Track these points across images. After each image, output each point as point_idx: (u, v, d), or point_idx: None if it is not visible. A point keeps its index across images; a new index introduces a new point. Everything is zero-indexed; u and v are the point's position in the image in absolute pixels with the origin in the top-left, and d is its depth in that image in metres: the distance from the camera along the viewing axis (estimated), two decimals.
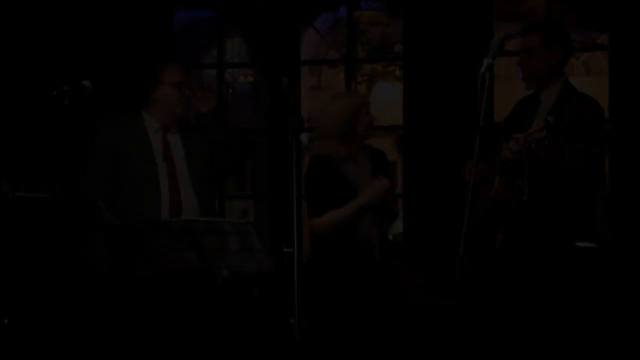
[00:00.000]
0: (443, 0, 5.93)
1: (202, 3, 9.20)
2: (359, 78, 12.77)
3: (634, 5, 5.61)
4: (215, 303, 4.50)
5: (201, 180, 4.87)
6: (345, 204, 4.65)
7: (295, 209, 4.32)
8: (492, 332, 4.60)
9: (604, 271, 4.09)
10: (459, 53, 6.00)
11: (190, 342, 4.74)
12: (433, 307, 5.71)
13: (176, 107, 4.85)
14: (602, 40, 10.72)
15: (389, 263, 4.75)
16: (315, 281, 4.62)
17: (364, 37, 12.77)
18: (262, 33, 6.66)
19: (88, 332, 5.38)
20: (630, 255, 5.59)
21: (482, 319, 4.71)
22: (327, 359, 4.65)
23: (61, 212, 4.29)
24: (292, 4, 6.24)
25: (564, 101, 4.51)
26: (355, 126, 4.71)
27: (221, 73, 6.57)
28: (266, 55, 6.62)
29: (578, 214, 4.49)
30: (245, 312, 5.71)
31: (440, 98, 6.18)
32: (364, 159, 4.78)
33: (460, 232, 3.87)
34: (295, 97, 5.72)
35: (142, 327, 4.70)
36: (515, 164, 4.32)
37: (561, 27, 4.90)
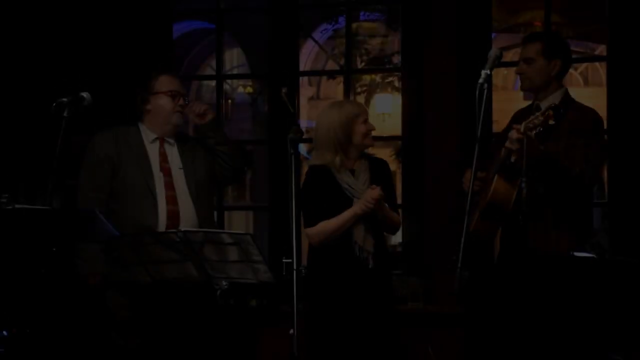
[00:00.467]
0: (441, 11, 5.92)
1: (201, 15, 9.22)
2: (358, 89, 12.78)
3: (632, 16, 5.61)
4: (214, 314, 4.50)
5: (199, 191, 4.87)
6: (340, 213, 4.65)
7: (294, 219, 4.32)
8: (490, 340, 4.60)
9: (602, 281, 4.08)
10: (457, 64, 5.99)
11: (189, 352, 4.73)
12: (432, 315, 5.70)
13: (171, 116, 4.87)
14: (600, 51, 10.75)
15: (383, 273, 4.73)
16: (310, 290, 4.60)
17: (362, 48, 12.79)
18: (261, 44, 6.66)
19: (86, 341, 5.38)
20: (629, 266, 5.57)
21: (481, 327, 4.71)
22: None
23: (60, 223, 4.29)
24: (291, 14, 6.25)
25: (565, 105, 4.49)
26: (350, 135, 4.69)
27: (220, 84, 6.59)
28: (265, 66, 6.62)
29: (576, 222, 4.49)
30: (244, 323, 5.70)
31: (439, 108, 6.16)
32: (362, 168, 4.76)
33: (459, 241, 3.86)
34: (295, 108, 5.71)
35: (141, 337, 4.70)
36: (514, 164, 4.29)
37: (560, 38, 4.92)
